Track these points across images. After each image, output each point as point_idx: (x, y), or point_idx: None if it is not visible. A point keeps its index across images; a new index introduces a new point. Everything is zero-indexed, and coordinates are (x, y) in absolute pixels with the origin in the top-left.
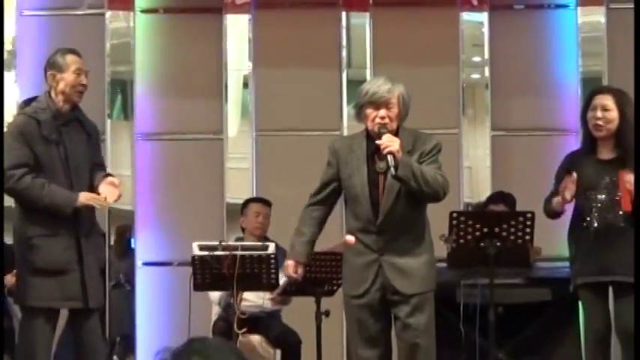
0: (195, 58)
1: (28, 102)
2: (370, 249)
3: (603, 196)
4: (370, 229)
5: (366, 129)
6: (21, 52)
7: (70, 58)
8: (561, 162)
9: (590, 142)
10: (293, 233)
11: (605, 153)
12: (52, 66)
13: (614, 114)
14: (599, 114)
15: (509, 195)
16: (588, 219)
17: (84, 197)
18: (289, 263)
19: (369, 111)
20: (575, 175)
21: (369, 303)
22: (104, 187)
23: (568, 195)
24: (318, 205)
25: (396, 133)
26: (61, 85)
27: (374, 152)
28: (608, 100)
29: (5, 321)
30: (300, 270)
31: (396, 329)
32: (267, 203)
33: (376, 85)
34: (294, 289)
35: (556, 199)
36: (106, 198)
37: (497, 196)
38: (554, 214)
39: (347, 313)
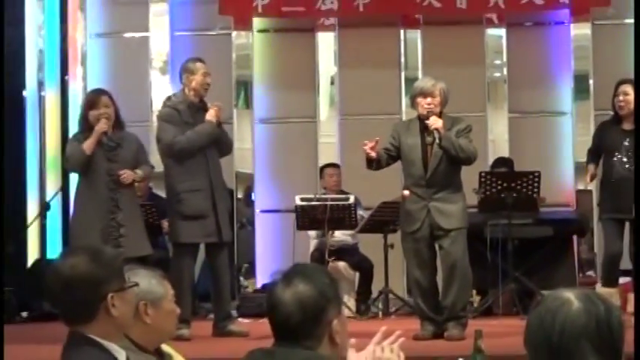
0: (296, 64)
1: (169, 98)
2: (421, 198)
3: (623, 157)
4: (421, 183)
5: (418, 116)
6: (173, 62)
7: (199, 65)
8: (596, 128)
9: (617, 117)
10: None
11: (627, 125)
12: (185, 70)
13: (631, 97)
14: (621, 98)
15: (509, 159)
16: (612, 173)
17: (211, 115)
18: (369, 145)
19: (420, 99)
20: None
21: (422, 236)
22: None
23: (590, 179)
24: (385, 153)
25: (439, 117)
26: (193, 84)
27: (424, 130)
28: (628, 88)
29: (162, 253)
30: (374, 152)
31: (441, 256)
32: (336, 166)
33: (424, 81)
34: (368, 227)
35: (589, 174)
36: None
37: (500, 162)
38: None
39: (404, 246)
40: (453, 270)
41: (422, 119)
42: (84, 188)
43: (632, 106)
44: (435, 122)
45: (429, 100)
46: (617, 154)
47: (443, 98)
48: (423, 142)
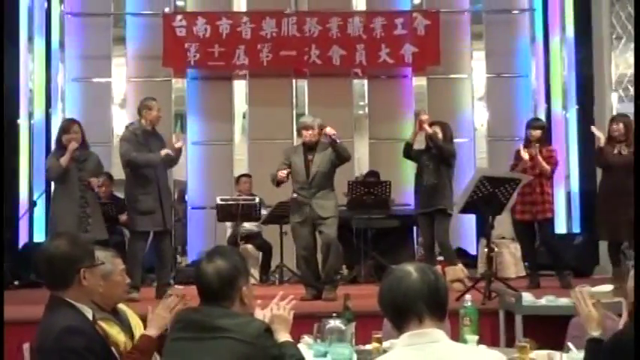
0: (217, 102)
1: (129, 125)
2: (305, 197)
3: (427, 171)
4: (305, 187)
5: (303, 142)
6: (128, 100)
7: (154, 103)
8: (412, 150)
9: (428, 145)
10: (276, 171)
11: (433, 151)
12: (145, 107)
13: (441, 135)
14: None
15: (377, 172)
16: (423, 182)
17: (164, 153)
18: (281, 173)
19: (304, 132)
20: (424, 116)
21: (306, 225)
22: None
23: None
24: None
25: (316, 144)
26: (150, 117)
27: (306, 151)
28: (436, 128)
29: (118, 238)
30: (284, 176)
31: (320, 237)
32: (249, 176)
33: (306, 118)
34: (268, 219)
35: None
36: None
37: (371, 173)
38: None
39: (293, 232)
40: (329, 246)
41: (305, 145)
42: (60, 190)
43: (440, 137)
44: (330, 131)
45: (310, 131)
46: (425, 170)
47: (319, 130)
48: (306, 159)
